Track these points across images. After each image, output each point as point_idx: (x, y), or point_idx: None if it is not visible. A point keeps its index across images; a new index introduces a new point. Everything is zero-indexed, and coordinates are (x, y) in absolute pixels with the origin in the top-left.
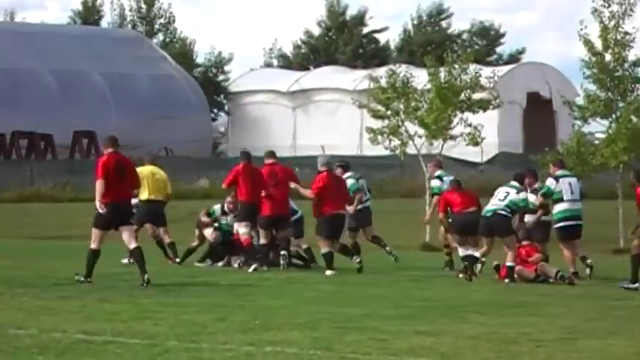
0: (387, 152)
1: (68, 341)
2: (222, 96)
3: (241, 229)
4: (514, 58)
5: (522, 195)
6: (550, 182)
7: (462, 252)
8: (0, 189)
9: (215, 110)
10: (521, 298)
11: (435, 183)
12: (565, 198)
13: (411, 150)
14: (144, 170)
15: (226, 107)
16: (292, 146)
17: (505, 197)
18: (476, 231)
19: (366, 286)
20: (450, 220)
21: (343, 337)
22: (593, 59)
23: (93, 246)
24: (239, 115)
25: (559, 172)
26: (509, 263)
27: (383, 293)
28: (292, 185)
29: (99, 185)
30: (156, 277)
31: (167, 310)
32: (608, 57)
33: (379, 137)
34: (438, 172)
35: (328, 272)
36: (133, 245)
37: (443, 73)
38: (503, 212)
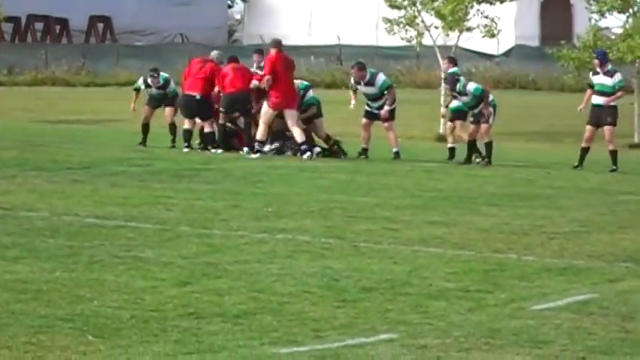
0: (403, 43)
1: (79, 224)
2: None
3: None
4: None
5: None
6: None
7: None
8: (15, 72)
9: None
10: (535, 190)
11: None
12: None
13: (427, 41)
14: None
15: None
16: (308, 35)
17: None
18: None
19: (379, 176)
20: None
21: (355, 226)
22: None
23: None
24: (255, 3)
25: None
26: None
27: (396, 183)
28: None
29: None
30: (168, 163)
31: (179, 196)
32: None
33: (395, 27)
34: (452, 69)
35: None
36: None
37: None
38: None
